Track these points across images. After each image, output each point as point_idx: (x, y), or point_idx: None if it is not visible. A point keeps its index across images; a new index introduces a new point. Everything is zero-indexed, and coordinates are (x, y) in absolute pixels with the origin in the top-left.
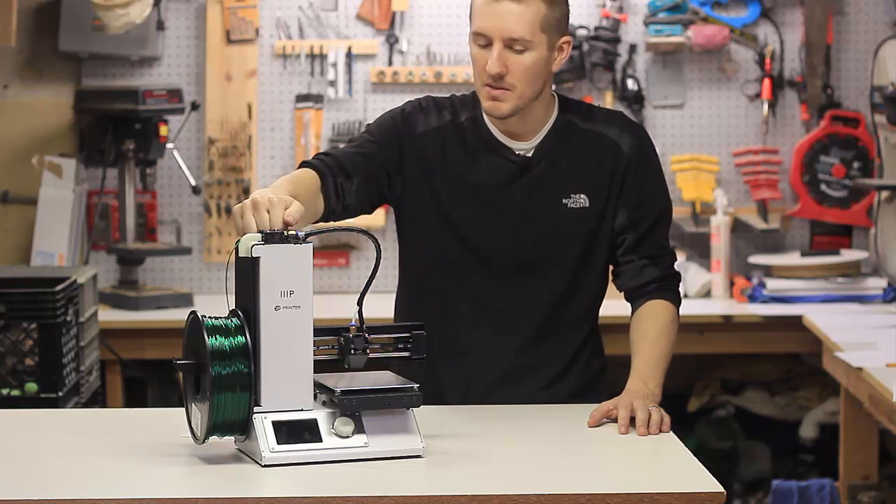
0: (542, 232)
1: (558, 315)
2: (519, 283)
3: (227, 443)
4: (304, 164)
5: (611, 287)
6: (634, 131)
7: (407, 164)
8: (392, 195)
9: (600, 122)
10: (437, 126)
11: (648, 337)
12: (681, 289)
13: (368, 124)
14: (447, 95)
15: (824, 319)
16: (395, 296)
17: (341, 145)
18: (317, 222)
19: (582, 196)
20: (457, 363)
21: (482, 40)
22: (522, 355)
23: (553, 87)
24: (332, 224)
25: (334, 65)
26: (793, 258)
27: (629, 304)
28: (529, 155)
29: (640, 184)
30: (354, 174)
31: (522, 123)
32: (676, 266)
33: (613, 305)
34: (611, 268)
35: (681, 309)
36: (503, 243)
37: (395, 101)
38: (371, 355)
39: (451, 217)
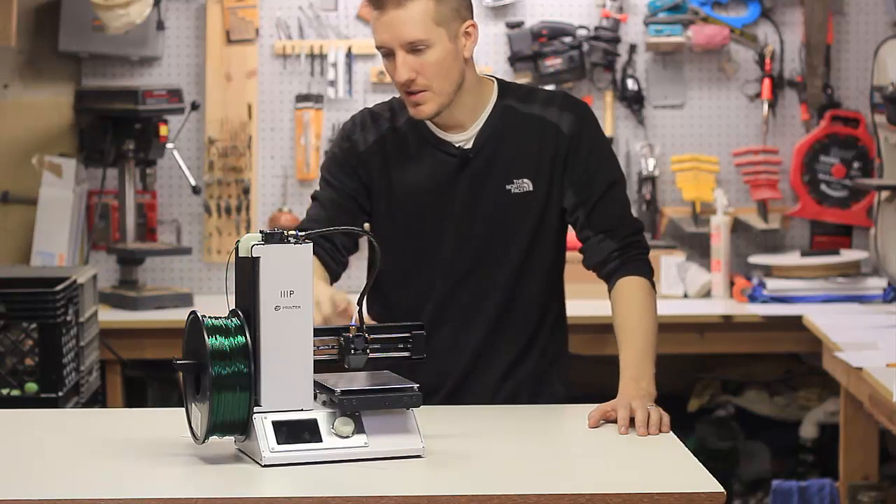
0: (488, 220)
1: (512, 299)
2: (476, 274)
3: (227, 443)
4: None
5: (601, 287)
6: (574, 109)
7: (366, 182)
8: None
9: (539, 104)
10: (375, 140)
11: (628, 326)
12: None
13: (323, 170)
14: (387, 100)
15: (824, 319)
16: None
17: (320, 184)
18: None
19: (525, 181)
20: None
21: (384, 51)
22: (484, 344)
23: (511, 76)
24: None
25: (334, 65)
26: (793, 258)
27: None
28: (469, 146)
29: (584, 160)
30: (336, 238)
31: (454, 115)
32: (642, 238)
33: (605, 306)
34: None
35: (680, 307)
36: (454, 237)
37: None
38: (371, 355)
39: (404, 222)
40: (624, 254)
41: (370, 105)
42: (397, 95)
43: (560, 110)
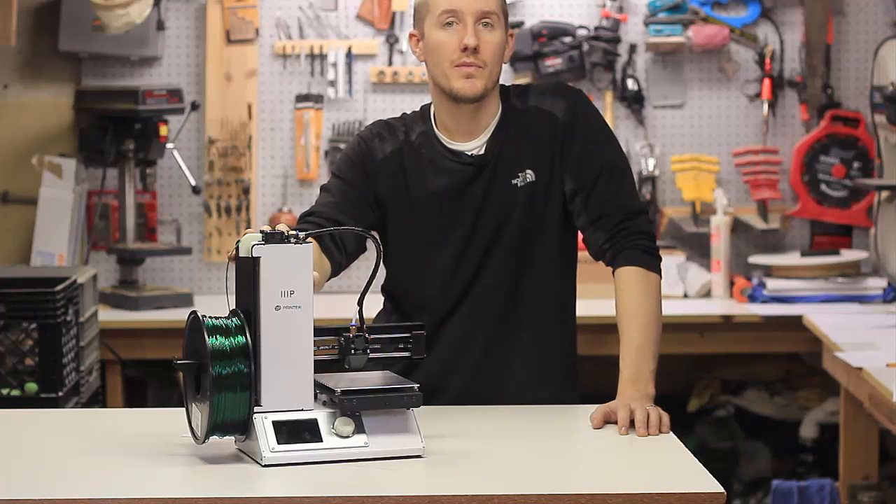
0: (497, 218)
1: (520, 291)
2: (485, 269)
3: (227, 443)
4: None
5: (600, 287)
6: (567, 96)
7: (378, 192)
8: (375, 223)
9: (534, 96)
10: (393, 150)
11: (623, 321)
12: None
13: (333, 168)
14: (397, 115)
15: (824, 319)
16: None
17: (329, 179)
18: (329, 279)
19: (529, 172)
20: (440, 363)
21: (449, 18)
22: (493, 342)
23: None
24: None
25: (334, 65)
26: (793, 258)
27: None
28: (482, 153)
29: (580, 145)
30: (346, 224)
31: (477, 118)
32: (636, 222)
33: (604, 306)
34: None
35: (680, 307)
36: (465, 236)
37: (395, 101)
38: (371, 355)
39: (419, 228)
40: (615, 243)
41: (369, 104)
42: (408, 111)
43: (553, 98)
